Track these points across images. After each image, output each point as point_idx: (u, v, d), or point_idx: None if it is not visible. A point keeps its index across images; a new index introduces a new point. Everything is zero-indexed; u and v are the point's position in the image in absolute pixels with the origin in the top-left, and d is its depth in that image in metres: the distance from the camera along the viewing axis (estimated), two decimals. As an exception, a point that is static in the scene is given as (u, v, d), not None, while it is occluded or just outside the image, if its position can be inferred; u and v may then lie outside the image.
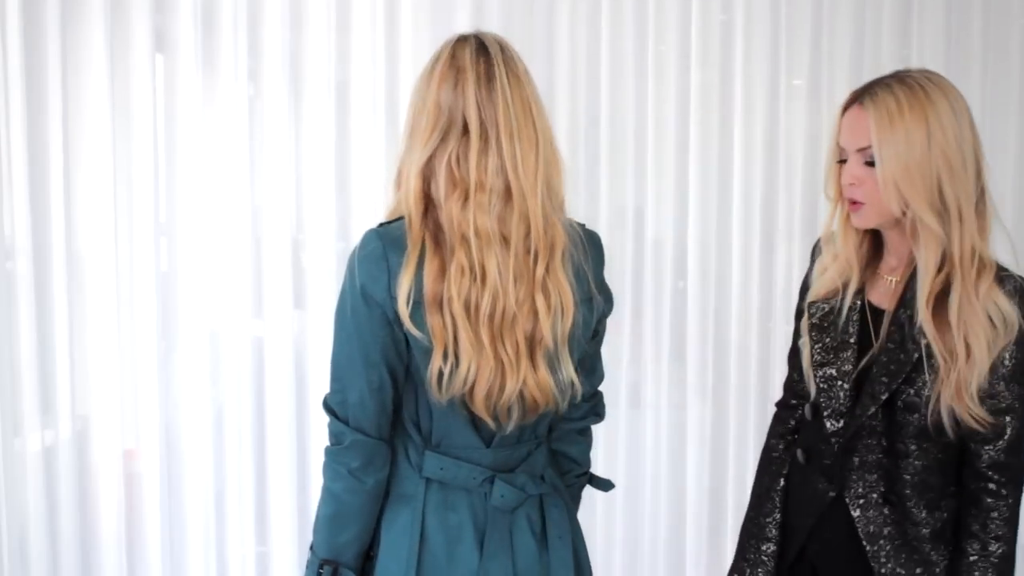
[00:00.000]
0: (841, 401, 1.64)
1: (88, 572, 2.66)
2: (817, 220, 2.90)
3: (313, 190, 2.72)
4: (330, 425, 1.57)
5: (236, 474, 2.73)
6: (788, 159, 2.87)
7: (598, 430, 2.83)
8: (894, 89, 1.55)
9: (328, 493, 1.56)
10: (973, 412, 1.53)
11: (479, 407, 1.51)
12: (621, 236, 2.84)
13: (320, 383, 2.73)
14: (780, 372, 2.88)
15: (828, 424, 1.64)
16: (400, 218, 1.54)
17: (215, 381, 2.70)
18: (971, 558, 1.59)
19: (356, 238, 2.82)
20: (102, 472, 2.66)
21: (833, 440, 1.64)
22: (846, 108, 1.61)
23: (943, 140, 1.52)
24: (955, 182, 1.53)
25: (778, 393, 2.95)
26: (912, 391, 1.57)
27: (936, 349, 1.53)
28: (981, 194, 1.57)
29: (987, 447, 1.58)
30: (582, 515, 2.97)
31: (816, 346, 1.67)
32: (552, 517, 1.64)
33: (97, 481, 2.66)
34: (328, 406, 1.57)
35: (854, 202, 1.60)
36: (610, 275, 2.83)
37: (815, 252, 1.77)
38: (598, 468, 2.87)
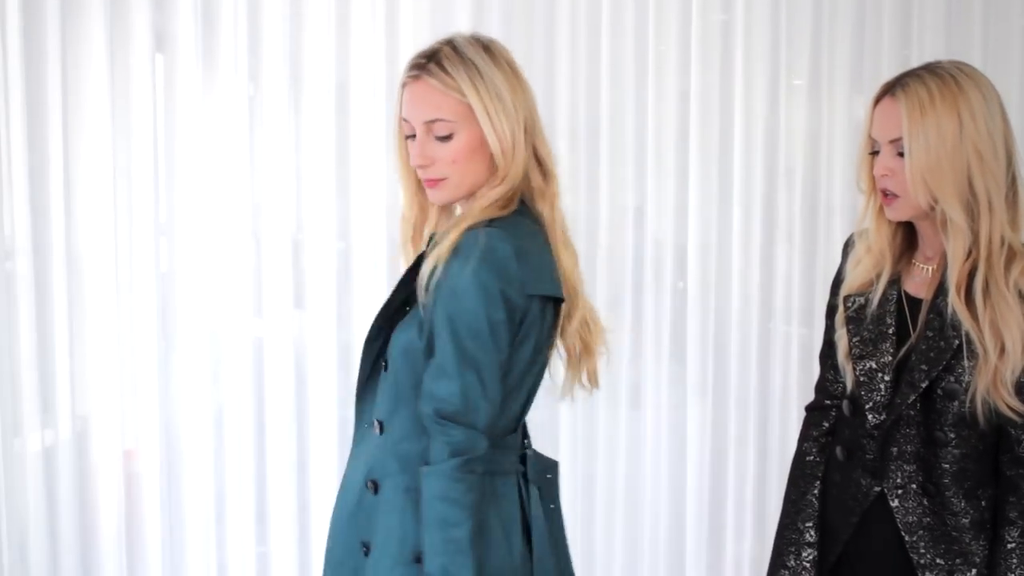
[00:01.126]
0: (883, 393, 1.62)
1: (88, 572, 2.66)
2: (818, 220, 2.90)
3: (313, 190, 2.72)
4: (456, 435, 1.47)
5: (236, 474, 2.72)
6: (788, 159, 2.87)
7: (598, 430, 2.85)
8: (926, 80, 1.55)
9: (462, 509, 1.45)
10: (1010, 404, 1.53)
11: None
12: (621, 236, 2.84)
13: (320, 383, 2.73)
14: (780, 372, 2.90)
15: (870, 417, 1.63)
16: (513, 213, 1.55)
17: (215, 381, 2.70)
18: (1009, 545, 1.58)
19: (356, 238, 2.81)
20: (102, 472, 2.66)
21: (876, 434, 1.63)
22: (878, 100, 1.60)
23: (974, 131, 1.52)
24: (985, 173, 1.53)
25: (778, 393, 2.95)
26: (952, 378, 1.56)
27: (975, 338, 1.53)
28: (1012, 183, 1.57)
29: None
30: (582, 514, 2.97)
31: (854, 339, 1.66)
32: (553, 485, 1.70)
33: (97, 481, 2.66)
34: (453, 416, 1.47)
35: (887, 194, 1.60)
36: (610, 275, 2.85)
37: (847, 248, 1.77)
38: (598, 468, 2.89)
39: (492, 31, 2.67)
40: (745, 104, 2.83)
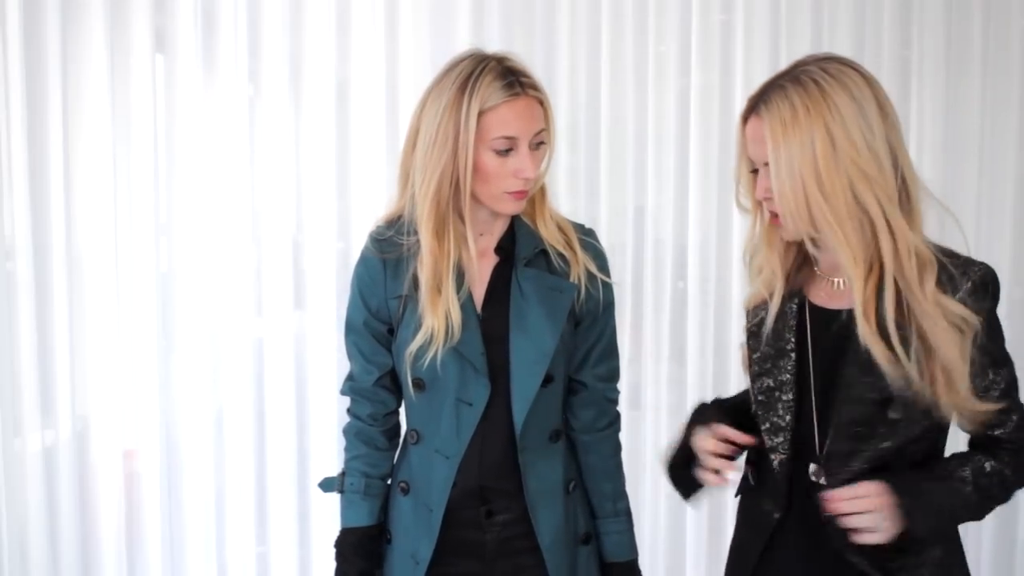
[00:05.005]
0: (779, 414, 1.50)
1: (88, 572, 2.66)
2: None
3: (313, 190, 2.72)
4: None
5: (236, 474, 2.72)
6: (788, 159, 2.86)
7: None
8: (788, 92, 1.39)
9: None
10: (981, 409, 1.41)
11: None
12: (621, 236, 2.84)
13: (320, 383, 2.73)
14: (780, 372, 2.89)
15: (767, 440, 1.51)
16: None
17: (215, 381, 2.70)
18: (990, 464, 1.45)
19: (356, 238, 2.82)
20: (102, 472, 2.66)
21: (773, 457, 1.51)
22: (746, 118, 1.46)
23: (848, 144, 1.36)
24: (874, 187, 1.37)
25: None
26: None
27: (900, 372, 1.39)
28: (903, 184, 1.41)
29: (1000, 430, 1.46)
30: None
31: (753, 355, 1.55)
32: None
33: (97, 481, 2.66)
34: None
35: (775, 216, 1.46)
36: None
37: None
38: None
39: (492, 31, 2.68)
40: (745, 104, 2.83)
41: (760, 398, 1.53)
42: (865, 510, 1.38)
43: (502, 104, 1.57)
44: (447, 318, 1.60)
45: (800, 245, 1.50)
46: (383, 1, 2.68)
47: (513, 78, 1.59)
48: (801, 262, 1.55)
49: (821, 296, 1.52)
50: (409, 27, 2.70)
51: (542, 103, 1.63)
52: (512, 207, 1.64)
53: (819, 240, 1.46)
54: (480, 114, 1.56)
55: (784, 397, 1.50)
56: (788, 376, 1.50)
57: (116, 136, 2.57)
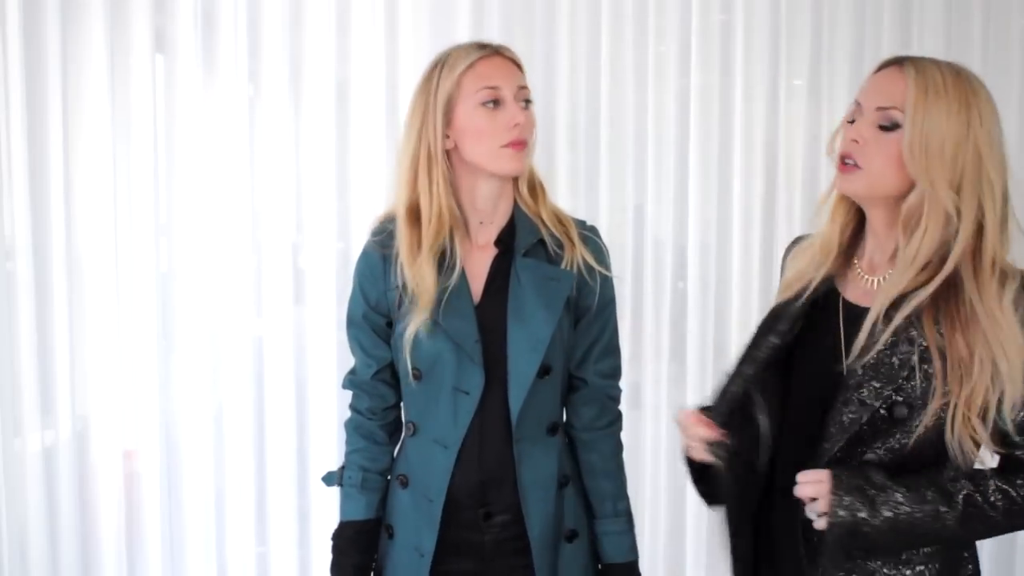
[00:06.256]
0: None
1: (88, 572, 2.66)
2: (818, 221, 2.89)
3: (313, 190, 2.72)
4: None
5: (236, 474, 2.72)
6: (788, 159, 2.87)
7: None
8: (941, 67, 1.40)
9: None
10: (979, 437, 1.37)
11: None
12: (621, 236, 2.84)
13: (320, 383, 2.73)
14: (780, 372, 2.89)
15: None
16: None
17: (215, 381, 2.70)
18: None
19: (356, 238, 2.82)
20: (102, 472, 2.66)
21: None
22: (880, 68, 1.45)
23: (981, 132, 1.37)
24: (982, 178, 1.37)
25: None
26: (901, 398, 1.39)
27: (944, 355, 1.36)
28: (1004, 203, 1.41)
29: None
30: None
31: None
32: None
33: (97, 481, 2.66)
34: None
35: (846, 163, 1.43)
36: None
37: (788, 254, 1.64)
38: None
39: (492, 31, 2.68)
40: (745, 104, 2.83)
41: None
42: (813, 495, 1.38)
43: (478, 61, 1.63)
44: (421, 281, 1.64)
45: (851, 232, 1.51)
46: (383, 1, 2.68)
47: (483, 43, 1.67)
48: (845, 252, 1.53)
49: (855, 292, 1.50)
50: (409, 27, 2.70)
51: (518, 65, 1.68)
52: (513, 163, 1.65)
53: (872, 222, 1.47)
54: (460, 76, 1.62)
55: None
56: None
57: (116, 136, 2.57)
